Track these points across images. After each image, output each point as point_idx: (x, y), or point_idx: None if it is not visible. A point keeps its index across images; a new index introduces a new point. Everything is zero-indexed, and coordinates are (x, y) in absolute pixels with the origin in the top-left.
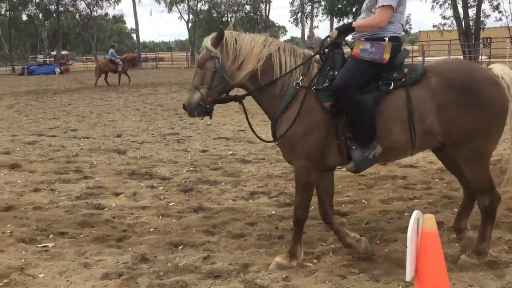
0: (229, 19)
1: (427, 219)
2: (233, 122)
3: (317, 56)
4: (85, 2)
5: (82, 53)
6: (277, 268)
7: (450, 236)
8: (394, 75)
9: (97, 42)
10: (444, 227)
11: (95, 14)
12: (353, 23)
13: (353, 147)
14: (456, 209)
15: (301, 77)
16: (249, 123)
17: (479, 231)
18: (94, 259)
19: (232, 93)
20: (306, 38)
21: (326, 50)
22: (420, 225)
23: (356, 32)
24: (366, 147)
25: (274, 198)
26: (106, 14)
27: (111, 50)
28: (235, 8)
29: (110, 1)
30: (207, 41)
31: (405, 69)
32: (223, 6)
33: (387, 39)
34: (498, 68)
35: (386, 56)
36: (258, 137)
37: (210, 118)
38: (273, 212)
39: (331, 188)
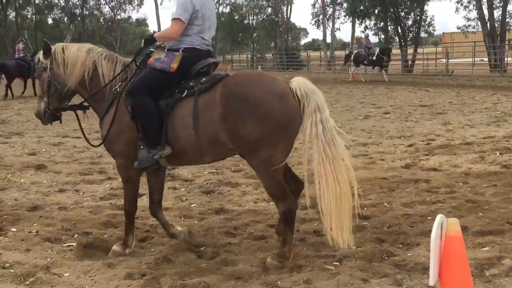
0: (250, 22)
1: (451, 223)
2: None
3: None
4: (109, 5)
5: None
6: (113, 254)
7: (475, 240)
8: (191, 83)
9: (121, 45)
10: (468, 232)
11: (118, 17)
12: (155, 33)
13: (141, 147)
14: (481, 214)
15: (120, 83)
16: (81, 128)
17: (282, 236)
18: (117, 259)
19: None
20: (363, 37)
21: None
22: (444, 229)
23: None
24: (153, 148)
25: None
26: (129, 17)
27: None
28: (257, 11)
29: (133, 5)
30: (39, 54)
31: (203, 79)
32: (244, 9)
33: (181, 50)
34: (295, 82)
35: (174, 66)
36: (88, 142)
37: (60, 123)
38: None
39: (161, 185)
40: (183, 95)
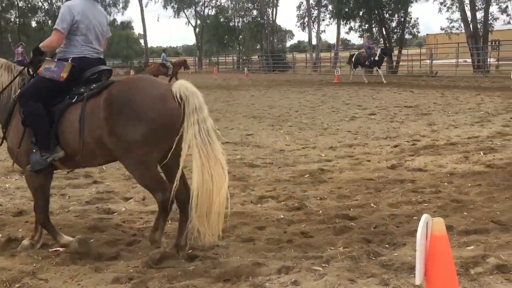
0: (236, 24)
1: (436, 223)
2: (240, 127)
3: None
4: None
5: None
6: (22, 248)
7: (460, 240)
8: (81, 90)
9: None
10: (453, 231)
11: None
12: (40, 44)
13: (34, 150)
14: (466, 213)
15: (19, 90)
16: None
17: (156, 224)
18: (104, 263)
19: None
20: (364, 38)
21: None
22: (429, 228)
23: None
24: (46, 151)
25: (282, 202)
26: (114, 20)
27: (163, 54)
28: (242, 13)
29: (118, 8)
30: None
31: (93, 85)
32: (230, 11)
33: (70, 59)
34: (176, 85)
35: (64, 75)
36: None
37: None
38: (282, 216)
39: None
40: (73, 101)
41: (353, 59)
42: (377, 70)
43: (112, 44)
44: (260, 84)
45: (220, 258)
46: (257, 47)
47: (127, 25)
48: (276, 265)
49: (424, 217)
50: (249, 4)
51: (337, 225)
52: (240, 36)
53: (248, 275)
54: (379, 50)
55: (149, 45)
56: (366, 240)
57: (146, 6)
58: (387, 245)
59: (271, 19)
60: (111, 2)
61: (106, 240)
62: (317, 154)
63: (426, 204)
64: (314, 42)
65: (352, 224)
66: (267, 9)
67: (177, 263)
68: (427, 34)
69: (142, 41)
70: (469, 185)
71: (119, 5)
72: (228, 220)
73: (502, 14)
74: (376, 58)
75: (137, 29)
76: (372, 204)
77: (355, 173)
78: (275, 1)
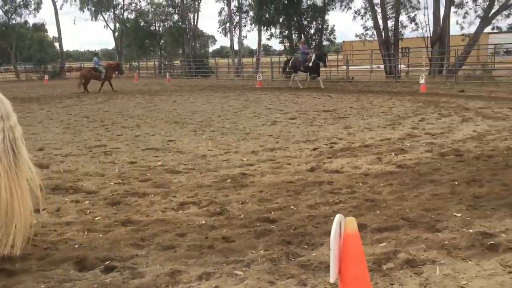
0: (157, 28)
1: (349, 222)
2: (162, 133)
3: None
4: (2, 9)
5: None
6: None
7: (373, 237)
8: None
9: (16, 50)
10: (367, 229)
11: (13, 22)
12: None
13: None
14: (378, 212)
15: None
16: None
17: None
18: (13, 280)
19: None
20: (300, 42)
21: None
22: (343, 228)
23: None
24: None
25: (204, 208)
26: (26, 22)
27: (95, 58)
28: (163, 17)
29: (30, 9)
30: None
31: None
32: (150, 15)
33: None
34: None
35: None
36: None
37: None
38: (203, 222)
39: None
40: None
41: (289, 64)
42: (310, 75)
43: (23, 47)
44: (182, 89)
45: (139, 268)
46: (179, 52)
47: (40, 28)
48: (197, 272)
49: (337, 217)
50: (170, 9)
51: (258, 229)
52: (162, 41)
53: (168, 283)
54: (313, 56)
55: (64, 49)
56: (286, 242)
57: (61, 8)
58: (306, 246)
59: (192, 23)
60: (21, 3)
61: (16, 255)
62: (239, 159)
63: (342, 204)
64: (236, 47)
65: (273, 226)
66: (189, 13)
67: (93, 276)
68: (343, 41)
69: (57, 44)
70: (382, 184)
71: (30, 6)
72: (148, 229)
73: (410, 22)
74: (311, 64)
75: (52, 32)
76: (292, 206)
77: (276, 176)
78: (197, 6)
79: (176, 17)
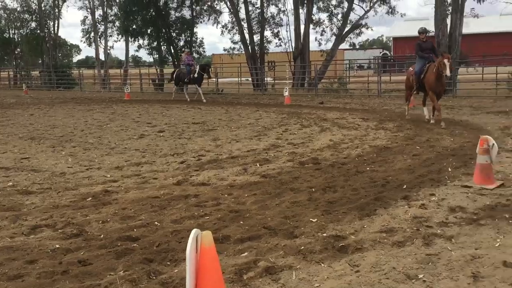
0: (12, 36)
1: (205, 236)
2: (15, 150)
3: None
4: None
5: None
6: None
7: (236, 248)
8: None
9: None
10: (230, 240)
11: None
12: None
13: None
14: (242, 222)
15: None
16: None
17: None
18: None
19: None
20: (184, 53)
21: None
22: (199, 242)
23: None
24: None
25: (59, 230)
26: None
27: None
28: (18, 24)
29: None
30: None
31: None
32: (3, 22)
33: None
34: None
35: None
36: None
37: None
38: (58, 246)
39: None
40: None
41: (174, 76)
42: (196, 88)
43: None
44: (41, 102)
45: None
46: (39, 62)
47: None
48: None
49: (194, 231)
50: (26, 15)
51: (119, 248)
52: (18, 50)
53: None
54: (198, 67)
55: None
56: (148, 260)
57: None
58: (168, 262)
59: (52, 32)
60: None
61: None
62: (102, 175)
63: (208, 217)
64: (102, 58)
65: (135, 245)
66: (48, 21)
67: None
68: (213, 54)
69: None
70: (246, 195)
71: None
72: None
73: (274, 38)
74: (196, 75)
75: None
76: (156, 222)
77: (141, 192)
78: (57, 13)
79: (33, 24)
